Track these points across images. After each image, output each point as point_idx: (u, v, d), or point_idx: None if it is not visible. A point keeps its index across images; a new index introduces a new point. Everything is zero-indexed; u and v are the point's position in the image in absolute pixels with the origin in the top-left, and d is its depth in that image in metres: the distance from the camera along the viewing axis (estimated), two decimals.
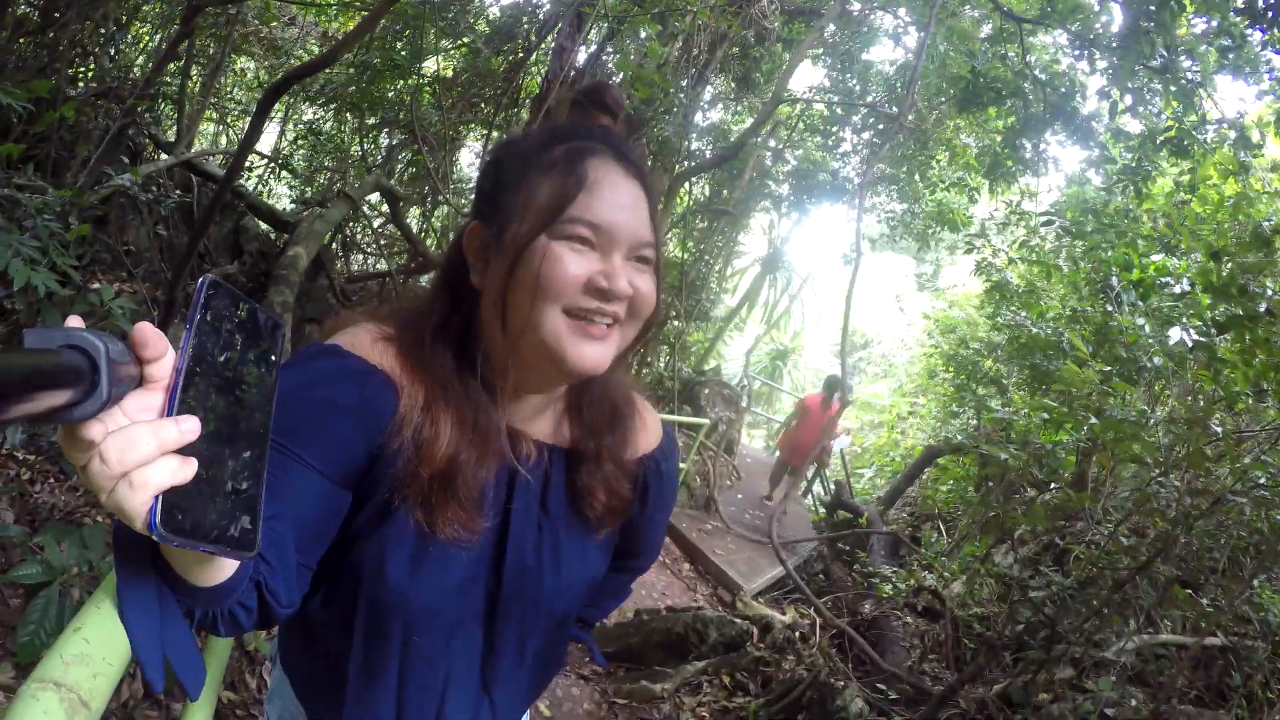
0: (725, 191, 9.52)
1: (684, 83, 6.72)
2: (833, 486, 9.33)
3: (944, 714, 3.74)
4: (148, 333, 0.50)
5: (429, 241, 7.92)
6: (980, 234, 6.84)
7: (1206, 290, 2.85)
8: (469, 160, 9.19)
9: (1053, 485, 4.63)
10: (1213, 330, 2.70)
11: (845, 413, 8.00)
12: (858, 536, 6.84)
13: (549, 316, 0.82)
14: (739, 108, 9.19)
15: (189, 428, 0.50)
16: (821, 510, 9.29)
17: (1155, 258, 3.19)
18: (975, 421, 7.38)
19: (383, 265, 7.66)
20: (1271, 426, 2.77)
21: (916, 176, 8.48)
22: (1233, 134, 4.00)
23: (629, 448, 1.00)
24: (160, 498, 0.50)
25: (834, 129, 8.82)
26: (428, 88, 6.61)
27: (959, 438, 7.21)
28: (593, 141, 0.87)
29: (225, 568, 0.63)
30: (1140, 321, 3.37)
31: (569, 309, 0.83)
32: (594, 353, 0.84)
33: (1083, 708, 3.08)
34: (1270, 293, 2.53)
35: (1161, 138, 3.93)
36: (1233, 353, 2.59)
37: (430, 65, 7.18)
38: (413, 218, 8.33)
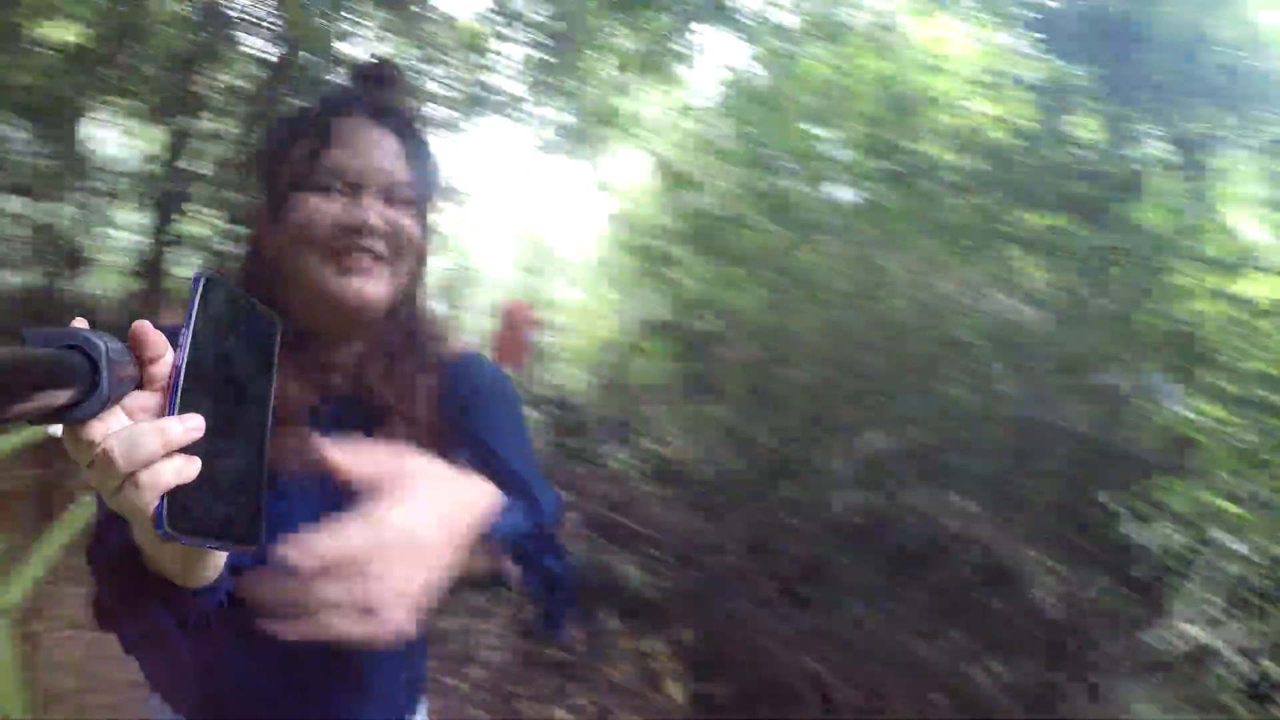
0: None
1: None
2: (548, 386, 9.75)
3: (708, 558, 4.27)
4: (147, 332, 0.51)
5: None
6: (648, 129, 7.27)
7: (868, 154, 3.45)
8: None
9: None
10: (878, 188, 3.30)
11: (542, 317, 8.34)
12: (583, 428, 7.29)
13: (311, 262, 0.90)
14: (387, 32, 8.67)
15: (193, 425, 0.52)
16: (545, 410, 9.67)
17: (816, 130, 3.76)
18: (665, 301, 8.03)
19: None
20: (924, 258, 3.48)
21: (581, 83, 8.68)
22: (873, 19, 4.72)
23: (428, 377, 1.02)
24: (166, 497, 0.50)
25: (489, 44, 8.66)
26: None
27: (650, 320, 7.80)
28: (345, 104, 0.96)
29: (217, 565, 0.66)
30: (805, 188, 3.94)
31: (328, 251, 0.90)
32: (359, 286, 0.90)
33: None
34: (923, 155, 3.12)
35: (805, 25, 4.54)
36: (894, 205, 3.20)
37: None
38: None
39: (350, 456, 0.65)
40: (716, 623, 3.67)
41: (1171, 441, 3.32)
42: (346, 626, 0.59)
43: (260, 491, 0.58)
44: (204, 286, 0.54)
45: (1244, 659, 3.38)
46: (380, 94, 1.00)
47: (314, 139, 0.92)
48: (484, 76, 9.21)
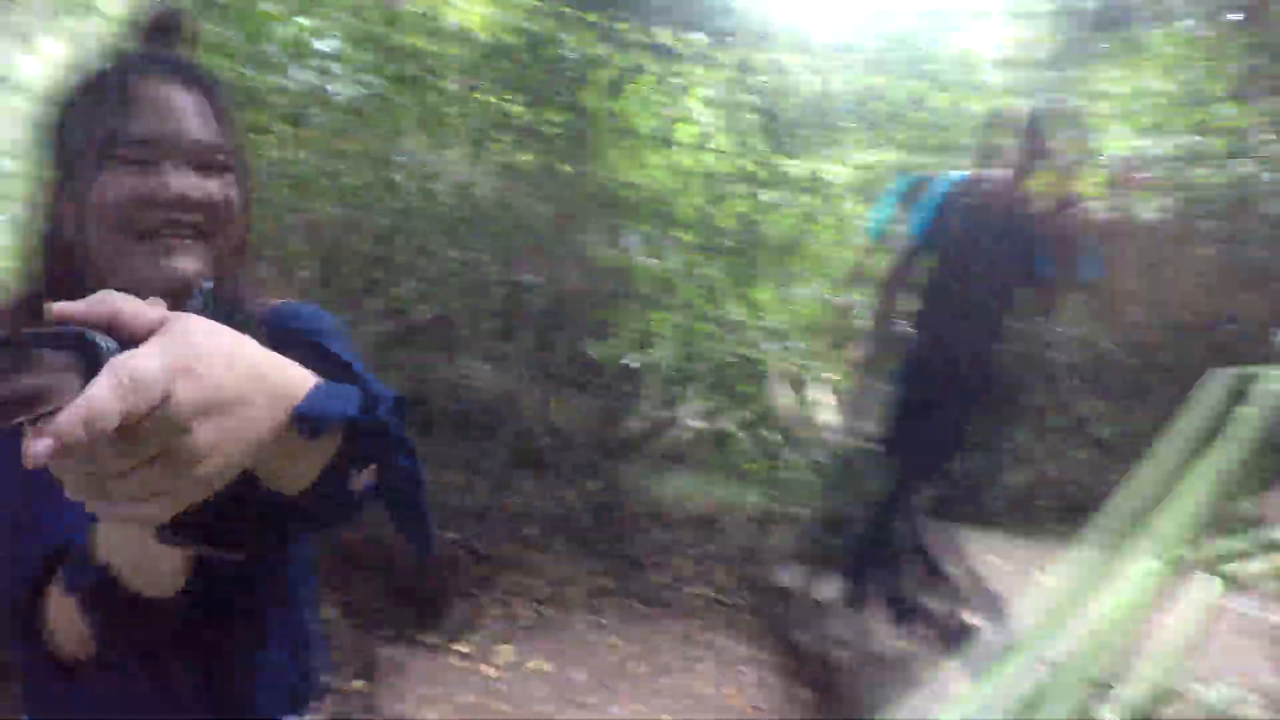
0: None
1: None
2: None
3: None
4: (125, 306, 0.48)
5: None
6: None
7: (358, 47, 3.48)
8: None
9: None
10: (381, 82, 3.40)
11: None
12: None
13: (117, 244, 0.84)
14: None
15: None
16: None
17: (300, 19, 3.58)
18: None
19: None
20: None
21: None
22: None
23: None
24: None
25: None
26: None
27: None
28: (140, 63, 0.88)
29: (182, 576, 0.70)
30: (289, 81, 3.78)
31: (135, 230, 0.84)
32: (171, 264, 0.85)
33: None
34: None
35: None
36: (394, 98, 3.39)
37: None
38: None
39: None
40: None
41: (648, 282, 4.33)
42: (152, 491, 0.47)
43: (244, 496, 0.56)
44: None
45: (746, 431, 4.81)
46: (173, 47, 0.92)
47: (109, 104, 0.83)
48: None
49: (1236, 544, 3.11)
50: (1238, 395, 2.20)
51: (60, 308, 0.45)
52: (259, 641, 0.96)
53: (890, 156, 4.75)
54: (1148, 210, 4.11)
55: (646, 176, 4.18)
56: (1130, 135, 4.59)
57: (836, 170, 4.44)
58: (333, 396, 0.58)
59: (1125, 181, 3.20)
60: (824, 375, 5.27)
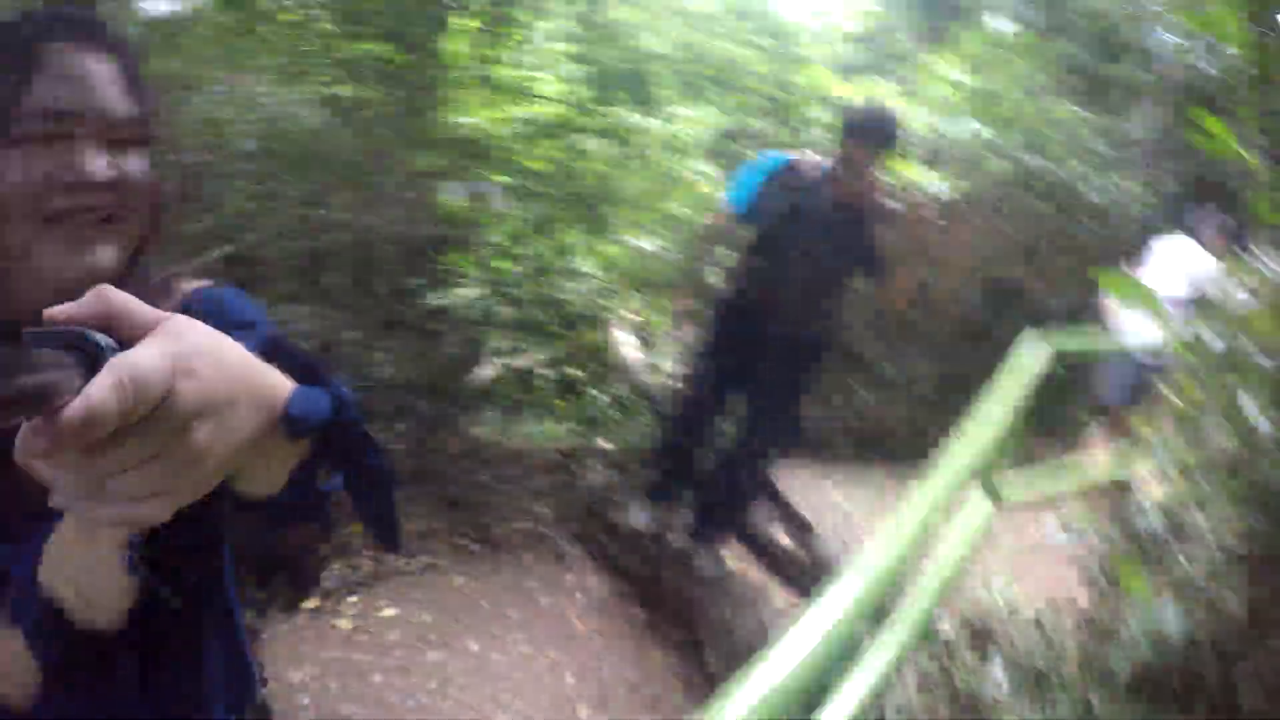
0: None
1: None
2: None
3: None
4: (120, 304, 0.47)
5: None
6: None
7: None
8: None
9: None
10: None
11: None
12: None
13: (24, 233, 0.74)
14: None
15: None
16: None
17: None
18: None
19: None
20: None
21: None
22: None
23: None
24: None
25: None
26: None
27: None
28: (44, 23, 0.77)
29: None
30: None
31: (39, 216, 0.74)
32: (82, 257, 0.76)
33: None
34: None
35: None
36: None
37: None
38: None
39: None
40: None
41: (461, 223, 4.27)
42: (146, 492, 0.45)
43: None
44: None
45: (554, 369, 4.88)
46: (82, 6, 0.86)
47: (8, 71, 0.72)
48: None
49: (1028, 474, 3.78)
50: (1043, 353, 2.73)
51: (55, 310, 0.44)
52: (204, 657, 0.92)
53: (713, 116, 5.01)
54: (945, 191, 4.75)
55: (468, 117, 4.09)
56: (936, 119, 5.21)
57: (655, 124, 4.62)
58: (310, 398, 0.58)
59: (917, 219, 3.70)
60: (630, 317, 5.55)
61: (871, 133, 3.18)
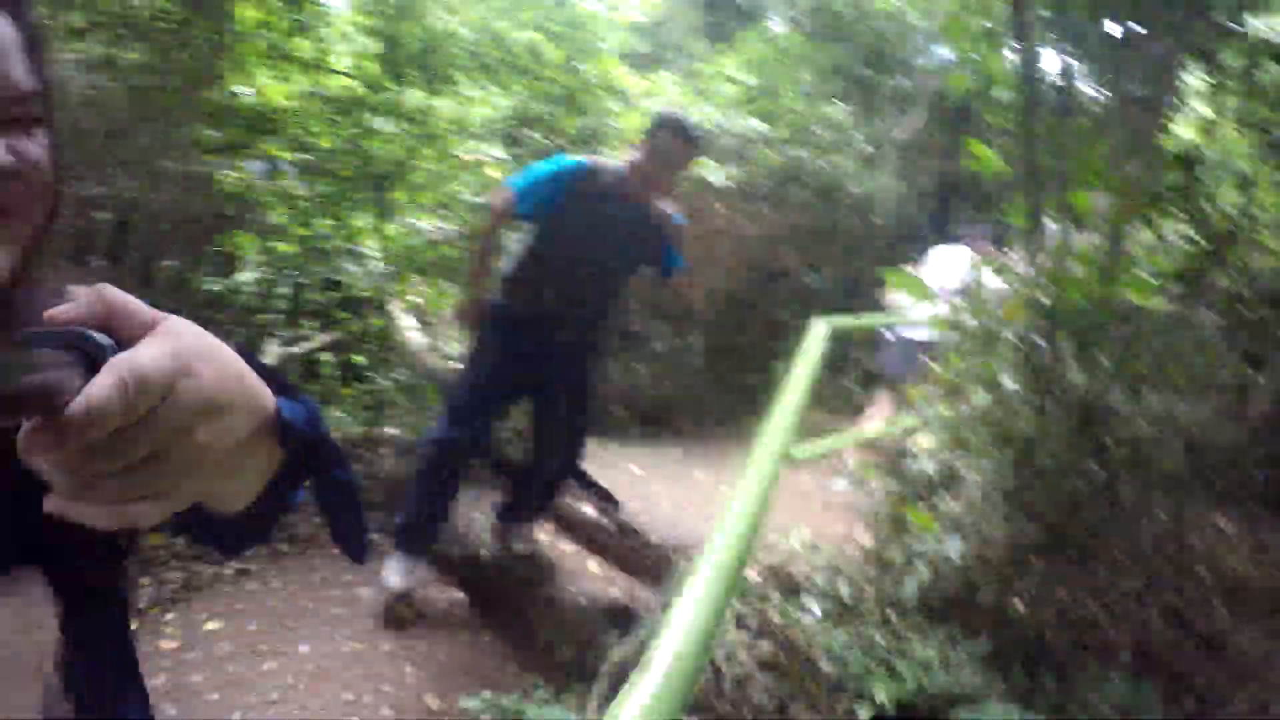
0: None
1: None
2: None
3: None
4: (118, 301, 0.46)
5: None
6: None
7: None
8: None
9: None
10: None
11: None
12: None
13: None
14: None
15: None
16: None
17: None
18: None
19: None
20: None
21: None
22: None
23: None
24: None
25: None
26: None
27: None
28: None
29: None
30: None
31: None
32: None
33: None
34: None
35: None
36: None
37: None
38: None
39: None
40: None
41: (243, 202, 3.93)
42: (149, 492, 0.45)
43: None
44: None
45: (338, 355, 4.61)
46: None
47: None
48: None
49: (817, 441, 4.21)
50: (830, 335, 3.12)
51: (54, 311, 0.44)
52: (112, 682, 0.84)
53: (505, 101, 4.98)
54: (719, 178, 5.10)
55: (255, 88, 3.79)
56: (713, 111, 5.55)
57: (446, 105, 4.53)
58: (291, 407, 0.57)
59: (686, 286, 3.78)
60: (414, 302, 5.43)
61: (692, 140, 3.20)
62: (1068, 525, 2.67)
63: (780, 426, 2.94)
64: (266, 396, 0.54)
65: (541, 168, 3.32)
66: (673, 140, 3.17)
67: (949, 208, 8.65)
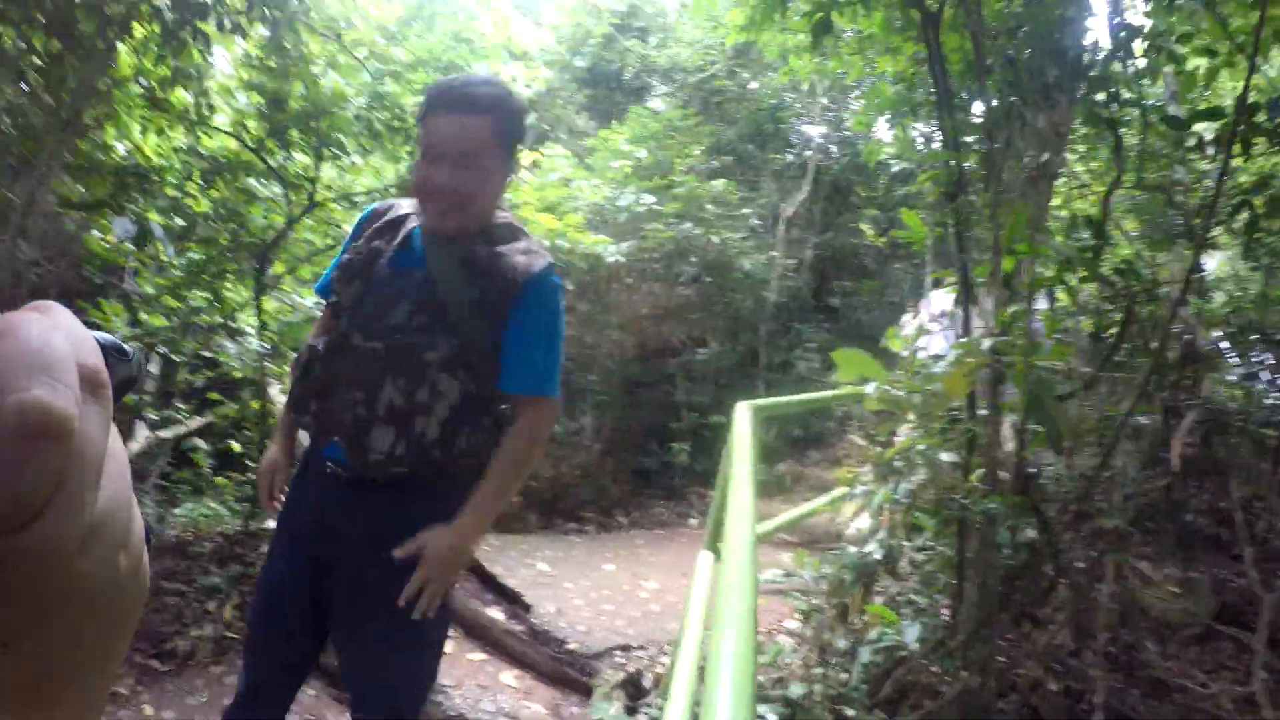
0: None
1: None
2: None
3: None
4: None
5: None
6: None
7: None
8: None
9: None
10: None
11: None
12: None
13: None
14: None
15: None
16: None
17: None
18: None
19: None
20: None
21: None
22: None
23: None
24: None
25: None
26: None
27: None
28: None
29: None
30: None
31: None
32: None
33: None
34: None
35: None
36: None
37: None
38: None
39: None
40: None
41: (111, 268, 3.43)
42: None
43: None
44: None
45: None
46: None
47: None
48: None
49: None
50: (754, 418, 2.94)
51: None
52: None
53: (391, 168, 4.68)
54: (610, 254, 4.95)
55: (131, 142, 3.36)
56: (604, 186, 5.43)
57: (330, 172, 4.20)
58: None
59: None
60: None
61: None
62: (1012, 592, 2.57)
63: (742, 510, 2.73)
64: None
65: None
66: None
67: (827, 280, 8.89)
